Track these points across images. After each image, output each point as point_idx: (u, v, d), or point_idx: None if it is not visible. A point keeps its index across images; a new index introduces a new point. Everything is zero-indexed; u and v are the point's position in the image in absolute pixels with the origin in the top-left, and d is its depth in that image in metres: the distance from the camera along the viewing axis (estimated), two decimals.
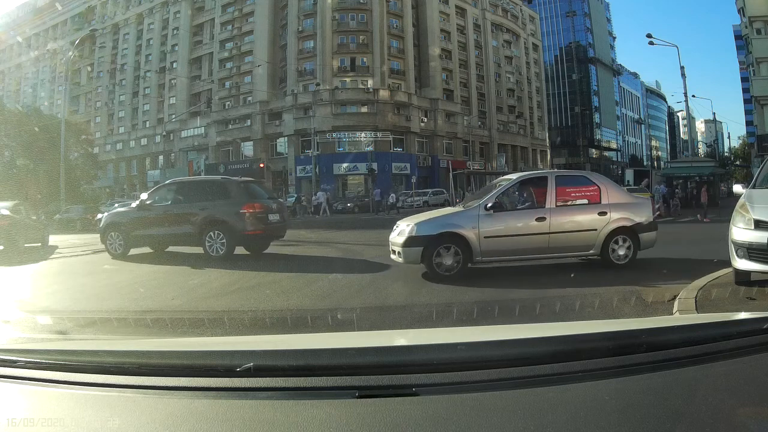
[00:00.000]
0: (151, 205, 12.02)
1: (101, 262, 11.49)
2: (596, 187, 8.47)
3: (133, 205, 12.71)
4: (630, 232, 8.28)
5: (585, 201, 8.44)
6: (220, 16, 57.13)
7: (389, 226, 9.01)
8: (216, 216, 11.28)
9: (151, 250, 12.09)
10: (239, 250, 11.68)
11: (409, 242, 7.86)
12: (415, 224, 8.01)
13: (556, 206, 8.19)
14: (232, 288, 7.90)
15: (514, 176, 9.08)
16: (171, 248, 12.10)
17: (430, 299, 6.56)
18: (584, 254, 8.38)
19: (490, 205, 8.07)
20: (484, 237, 7.90)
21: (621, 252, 8.23)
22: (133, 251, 11.99)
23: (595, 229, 8.17)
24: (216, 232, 11.17)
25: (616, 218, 8.23)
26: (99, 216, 13.63)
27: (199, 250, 11.29)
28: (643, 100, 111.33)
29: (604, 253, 8.18)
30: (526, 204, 8.45)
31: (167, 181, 13.56)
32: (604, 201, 8.32)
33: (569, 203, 8.38)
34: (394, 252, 8.12)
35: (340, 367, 1.23)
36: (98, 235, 12.71)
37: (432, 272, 7.75)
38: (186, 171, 51.28)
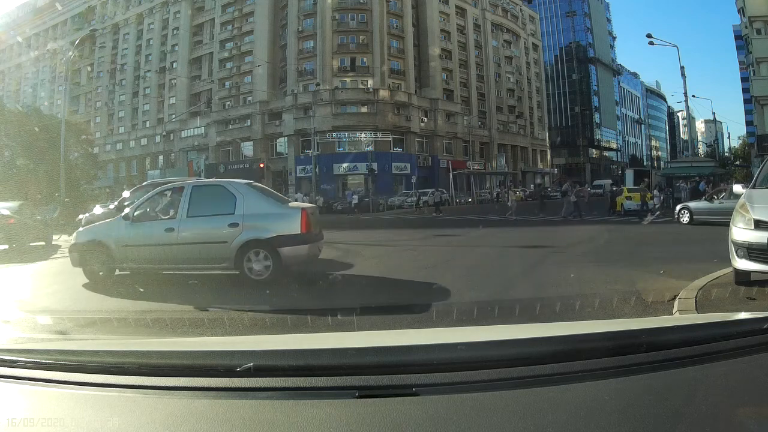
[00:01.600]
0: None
1: None
2: (232, 196, 8.03)
3: (111, 206, 12.92)
4: (266, 245, 7.70)
5: (218, 212, 8.06)
6: (220, 16, 57.16)
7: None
8: None
9: None
10: None
11: (71, 249, 8.53)
12: (76, 232, 8.71)
13: (187, 217, 7.99)
14: (231, 288, 7.89)
15: (158, 188, 9.18)
16: None
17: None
18: (219, 267, 7.95)
19: (124, 214, 8.43)
20: (122, 246, 8.10)
21: (256, 267, 7.69)
22: None
23: (226, 242, 7.76)
24: None
25: (248, 230, 7.76)
26: (80, 217, 13.72)
27: None
28: (643, 100, 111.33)
29: (239, 267, 7.71)
30: (165, 214, 8.35)
31: (145, 183, 13.72)
32: (238, 212, 7.85)
33: (201, 215, 8.08)
34: None
35: (340, 367, 1.23)
36: None
37: (88, 277, 8.15)
38: (186, 171, 51.30)
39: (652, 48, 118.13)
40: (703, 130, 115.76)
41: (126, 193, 12.90)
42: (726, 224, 6.46)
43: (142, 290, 7.74)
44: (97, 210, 13.33)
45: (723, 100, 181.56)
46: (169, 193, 8.64)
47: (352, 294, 7.22)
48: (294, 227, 7.83)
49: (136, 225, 8.21)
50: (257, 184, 9.29)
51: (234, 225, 7.79)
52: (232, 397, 1.18)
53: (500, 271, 9.10)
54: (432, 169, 51.85)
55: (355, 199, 36.08)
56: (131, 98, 64.18)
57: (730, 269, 6.26)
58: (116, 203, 12.72)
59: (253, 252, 7.69)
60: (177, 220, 8.01)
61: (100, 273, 8.14)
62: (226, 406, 1.15)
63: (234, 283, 7.70)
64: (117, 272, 8.29)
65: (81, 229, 8.94)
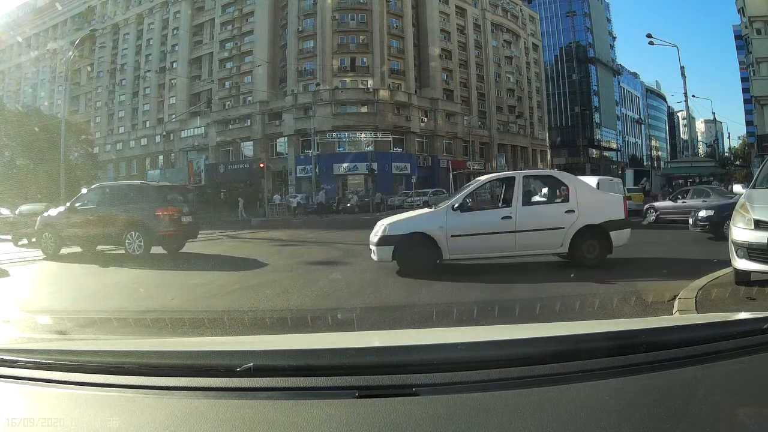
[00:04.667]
0: (80, 208, 12.68)
1: (100, 263, 11.54)
2: None
3: (62, 208, 13.24)
4: None
5: None
6: (220, 16, 57.12)
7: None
8: (134, 218, 12.06)
9: (81, 250, 12.75)
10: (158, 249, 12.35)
11: None
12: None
13: None
14: (232, 288, 7.90)
15: None
16: (99, 247, 12.84)
17: None
18: None
19: None
20: None
21: None
22: (64, 251, 12.69)
23: None
24: (134, 232, 11.95)
25: None
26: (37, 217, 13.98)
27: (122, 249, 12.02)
28: (643, 100, 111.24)
29: None
30: None
31: (94, 185, 14.20)
32: None
33: None
34: None
35: (340, 367, 1.22)
36: None
37: None
38: (186, 171, 51.31)
39: (652, 48, 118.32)
40: (703, 130, 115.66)
41: (84, 190, 13.50)
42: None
43: (142, 290, 7.76)
44: (52, 211, 13.40)
45: (723, 100, 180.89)
46: None
47: (352, 294, 7.21)
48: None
49: None
50: None
51: None
52: (232, 397, 1.18)
53: (500, 270, 9.09)
54: (432, 169, 51.79)
55: (293, 203, 37.66)
56: (131, 98, 64.11)
57: (730, 269, 6.25)
58: (68, 205, 13.09)
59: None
60: None
61: None
62: (226, 406, 1.15)
63: None
64: None
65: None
